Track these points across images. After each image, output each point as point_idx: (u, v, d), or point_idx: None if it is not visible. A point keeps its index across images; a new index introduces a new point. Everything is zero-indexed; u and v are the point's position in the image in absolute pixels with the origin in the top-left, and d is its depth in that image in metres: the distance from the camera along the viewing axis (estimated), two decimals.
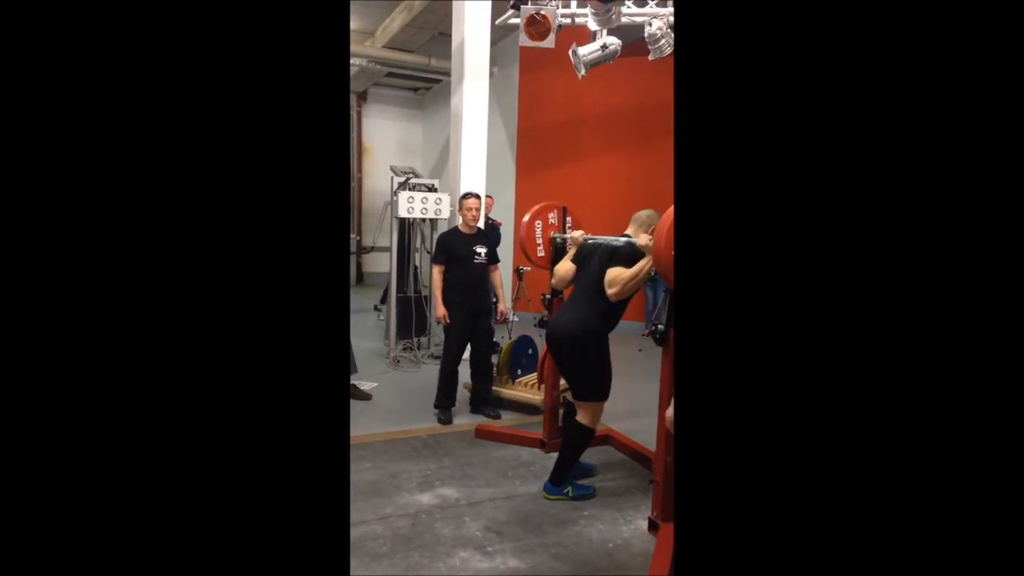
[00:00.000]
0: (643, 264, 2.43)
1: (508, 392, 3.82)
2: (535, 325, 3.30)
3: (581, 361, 2.59)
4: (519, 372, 3.98)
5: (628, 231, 2.63)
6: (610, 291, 2.48)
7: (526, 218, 3.24)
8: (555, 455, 3.01)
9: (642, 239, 2.48)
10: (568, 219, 3.23)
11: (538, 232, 3.22)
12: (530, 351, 4.06)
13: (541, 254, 3.22)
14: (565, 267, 2.84)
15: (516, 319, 6.00)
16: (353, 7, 6.89)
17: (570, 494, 2.62)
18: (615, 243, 2.61)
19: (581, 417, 2.61)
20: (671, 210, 2.20)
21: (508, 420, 3.65)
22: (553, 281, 2.94)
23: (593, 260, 2.64)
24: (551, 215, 3.23)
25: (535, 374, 3.91)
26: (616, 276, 2.47)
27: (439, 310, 3.53)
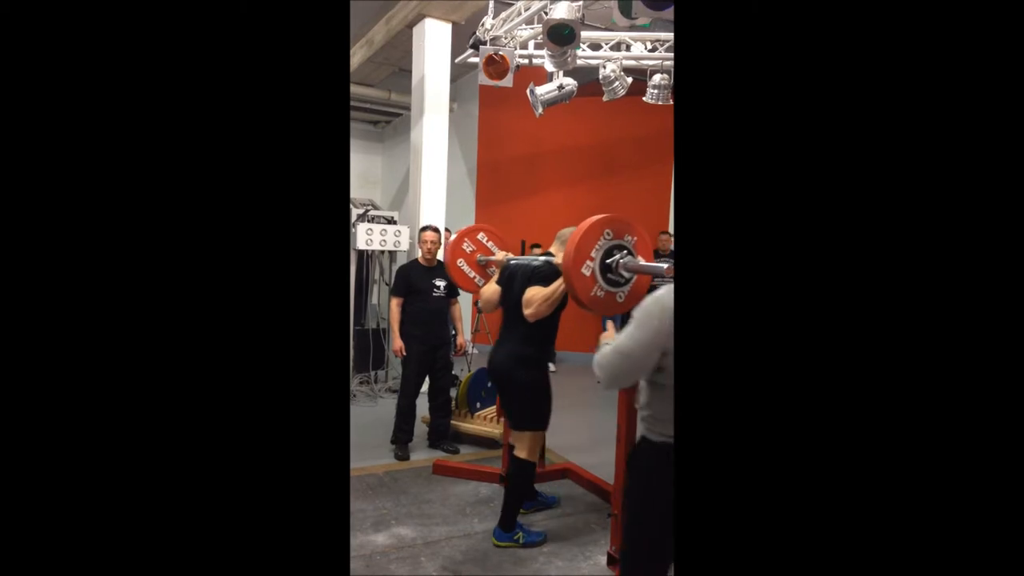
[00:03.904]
0: (559, 283, 2.28)
1: (467, 426, 3.77)
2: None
3: (513, 389, 2.48)
4: (478, 405, 3.94)
5: (552, 248, 2.54)
6: (526, 311, 2.37)
7: (451, 239, 3.15)
8: None
9: (560, 257, 2.36)
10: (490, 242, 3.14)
11: (462, 263, 3.12)
12: (489, 384, 4.04)
13: (477, 280, 3.12)
14: (490, 289, 2.71)
15: (475, 352, 5.97)
16: None
17: (520, 540, 2.49)
18: (535, 262, 2.50)
19: (519, 450, 2.46)
20: (583, 224, 2.11)
21: (467, 455, 3.60)
22: (480, 304, 2.83)
23: (516, 281, 2.51)
24: (464, 243, 3.12)
25: (494, 407, 3.88)
26: (531, 296, 2.36)
27: (396, 342, 3.49)
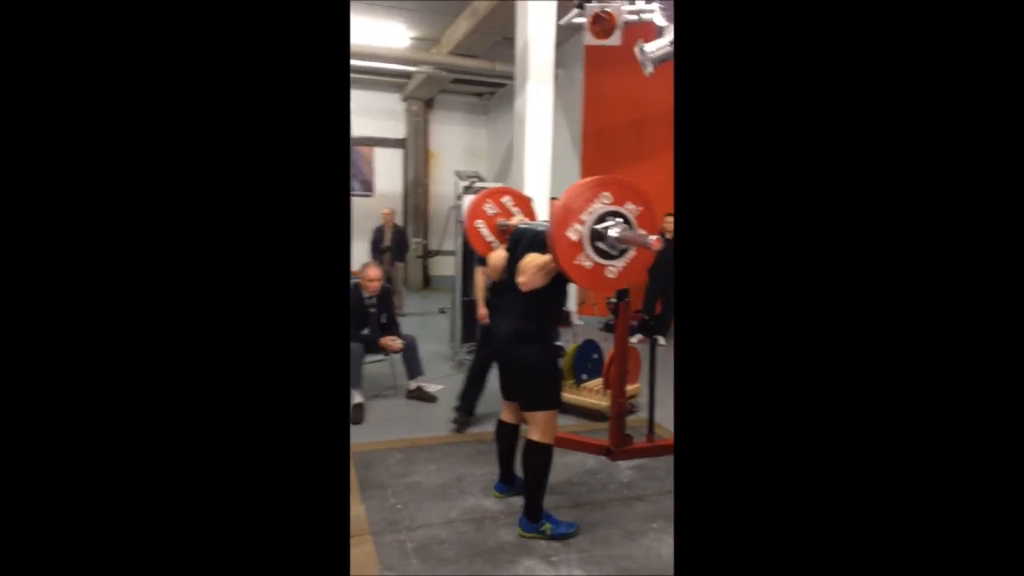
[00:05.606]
0: None
1: (573, 397, 3.75)
2: (600, 329, 3.21)
3: (516, 368, 2.28)
4: (584, 377, 3.90)
5: None
6: (518, 279, 2.13)
7: (471, 200, 3.00)
8: (623, 463, 2.92)
9: None
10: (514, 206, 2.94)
11: (481, 224, 2.92)
12: (595, 356, 3.98)
13: (495, 244, 2.89)
14: (498, 255, 2.47)
15: (581, 323, 5.92)
16: (418, 15, 7.04)
17: (548, 532, 2.25)
18: (540, 227, 2.26)
19: (532, 432, 2.23)
20: (579, 182, 1.91)
21: (574, 426, 3.59)
22: (487, 271, 2.64)
23: (520, 247, 2.27)
24: (487, 204, 2.90)
25: (601, 379, 3.82)
26: (526, 262, 2.13)
27: (481, 310, 3.57)
